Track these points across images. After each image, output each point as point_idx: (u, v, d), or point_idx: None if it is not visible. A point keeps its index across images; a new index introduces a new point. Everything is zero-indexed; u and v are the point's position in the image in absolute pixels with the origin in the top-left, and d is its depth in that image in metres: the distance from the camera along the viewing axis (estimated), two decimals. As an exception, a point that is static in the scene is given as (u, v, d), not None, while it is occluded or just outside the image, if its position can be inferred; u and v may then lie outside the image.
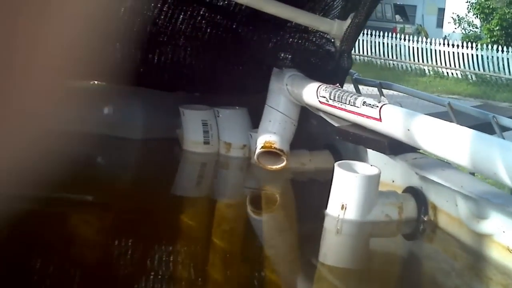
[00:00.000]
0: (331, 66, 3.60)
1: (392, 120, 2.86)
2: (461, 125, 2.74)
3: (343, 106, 3.17)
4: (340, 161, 3.14)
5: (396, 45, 15.39)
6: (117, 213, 3.20)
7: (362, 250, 3.00)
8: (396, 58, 15.46)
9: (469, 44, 14.81)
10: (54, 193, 3.17)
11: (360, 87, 4.07)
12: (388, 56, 15.78)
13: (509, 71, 14.67)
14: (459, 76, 14.58)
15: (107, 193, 3.47)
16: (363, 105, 3.01)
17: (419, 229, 3.08)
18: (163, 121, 4.39)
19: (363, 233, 3.04)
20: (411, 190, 3.21)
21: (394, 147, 2.96)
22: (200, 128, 4.11)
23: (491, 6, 16.52)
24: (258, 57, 3.90)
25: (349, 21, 3.43)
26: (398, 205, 3.10)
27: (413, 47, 15.30)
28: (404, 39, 15.32)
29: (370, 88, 4.11)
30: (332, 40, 3.57)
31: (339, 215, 3.00)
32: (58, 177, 3.53)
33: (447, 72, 14.76)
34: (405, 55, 15.37)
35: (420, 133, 2.70)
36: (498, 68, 14.63)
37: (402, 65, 15.25)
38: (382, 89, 3.74)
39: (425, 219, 3.10)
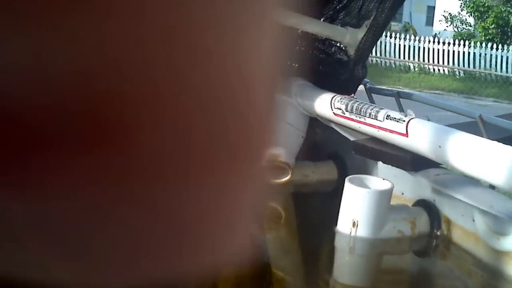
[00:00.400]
0: (344, 76, 3.46)
1: (421, 135, 2.74)
2: (490, 137, 2.61)
3: (361, 119, 3.04)
4: (350, 176, 3.01)
5: (381, 42, 15.31)
6: None
7: (377, 269, 2.87)
8: (381, 55, 15.37)
9: (462, 42, 14.75)
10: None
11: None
12: (372, 53, 15.69)
13: (501, 68, 14.64)
14: (446, 72, 14.56)
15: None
16: (386, 118, 2.88)
17: (433, 245, 2.96)
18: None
19: (376, 250, 2.92)
20: (422, 203, 3.10)
21: (416, 163, 2.84)
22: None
23: (486, 4, 16.56)
24: None
25: (364, 29, 3.27)
26: (411, 220, 2.99)
27: (399, 44, 15.21)
28: (390, 37, 15.23)
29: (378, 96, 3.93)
30: (344, 49, 3.40)
31: (350, 233, 2.87)
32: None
33: (434, 69, 14.73)
34: (389, 52, 15.28)
35: (453, 150, 2.57)
36: (490, 65, 14.63)
37: (386, 62, 15.18)
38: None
39: (438, 233, 2.99)
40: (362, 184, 3.03)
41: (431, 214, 3.03)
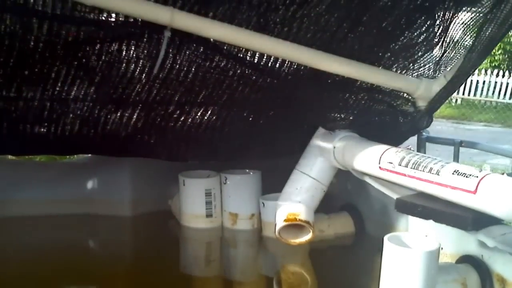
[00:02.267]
0: (405, 128, 3.10)
1: (494, 193, 2.38)
2: None
3: (416, 174, 2.69)
4: (389, 234, 2.63)
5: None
6: None
7: None
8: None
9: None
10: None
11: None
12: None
13: (504, 95, 14.39)
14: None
15: (107, 282, 3.08)
16: (453, 174, 2.52)
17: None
18: (154, 192, 3.84)
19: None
20: (469, 260, 2.75)
21: (478, 221, 2.48)
22: (203, 199, 3.60)
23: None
24: (302, 118, 3.37)
25: (442, 80, 2.91)
26: (461, 281, 2.66)
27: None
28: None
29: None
30: (412, 100, 3.03)
31: (397, 301, 2.48)
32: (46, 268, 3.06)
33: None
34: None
35: None
36: (493, 92, 14.38)
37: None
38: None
39: (492, 295, 2.61)
40: (402, 243, 2.65)
41: (481, 273, 2.66)
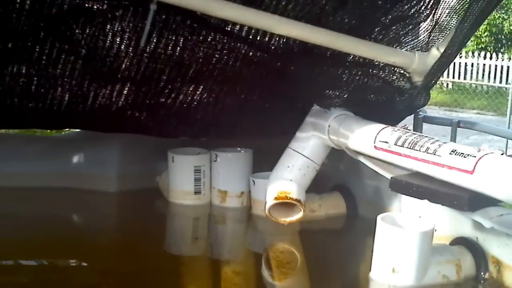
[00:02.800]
0: (403, 105, 3.01)
1: (492, 173, 2.31)
2: None
3: (413, 154, 2.63)
4: (382, 214, 2.58)
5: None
6: (105, 279, 2.74)
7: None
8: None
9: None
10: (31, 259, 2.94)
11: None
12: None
13: (494, 78, 14.44)
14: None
15: (90, 257, 3.01)
16: (450, 153, 2.44)
17: (482, 291, 2.54)
18: (141, 169, 3.79)
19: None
20: (464, 242, 2.71)
21: (474, 202, 2.40)
22: (191, 176, 3.50)
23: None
24: (296, 95, 3.27)
25: (435, 53, 2.86)
26: (456, 262, 2.62)
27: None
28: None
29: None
30: (408, 75, 2.95)
31: (390, 281, 2.42)
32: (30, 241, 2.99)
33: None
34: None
35: None
36: (482, 75, 14.41)
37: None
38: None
39: (486, 277, 2.56)
40: (396, 224, 2.59)
41: (475, 254, 2.61)
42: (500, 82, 14.73)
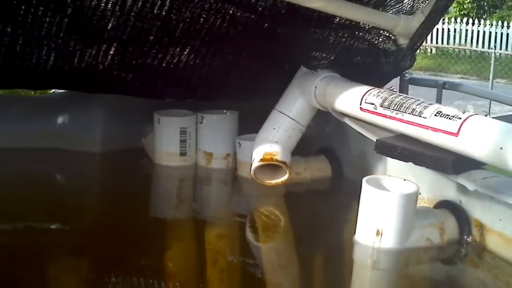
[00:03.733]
0: (389, 68, 2.95)
1: (477, 135, 2.27)
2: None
3: (398, 116, 2.58)
4: (367, 177, 2.54)
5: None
6: (89, 241, 2.70)
7: (408, 287, 2.41)
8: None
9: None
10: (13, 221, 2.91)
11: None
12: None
13: (477, 43, 14.49)
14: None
15: (74, 218, 2.97)
16: (435, 115, 2.39)
17: (465, 254, 2.54)
18: (127, 130, 3.75)
19: (403, 264, 2.46)
20: (447, 205, 2.68)
21: (458, 165, 2.36)
22: (177, 137, 3.45)
23: (461, -23, 16.30)
24: (283, 57, 3.20)
25: (420, 16, 2.84)
26: (439, 225, 2.60)
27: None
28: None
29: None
30: (393, 38, 2.90)
31: (374, 243, 2.40)
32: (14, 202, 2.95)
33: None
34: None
35: None
36: (465, 41, 14.45)
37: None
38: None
39: (469, 240, 2.54)
40: (381, 186, 2.56)
41: (459, 218, 2.59)
42: (483, 47, 14.76)
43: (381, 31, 3.01)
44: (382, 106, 2.71)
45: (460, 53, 14.58)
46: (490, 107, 9.49)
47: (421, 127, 2.50)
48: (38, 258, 2.45)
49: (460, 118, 2.37)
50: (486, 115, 2.38)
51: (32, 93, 4.37)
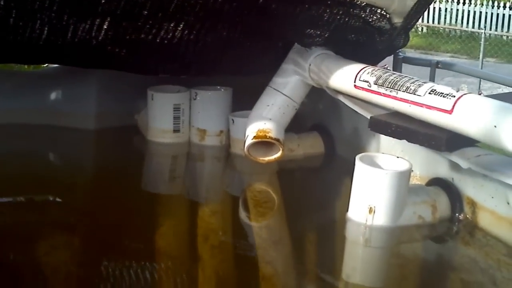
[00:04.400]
0: (383, 46, 2.91)
1: (471, 113, 2.25)
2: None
3: (393, 93, 2.54)
4: (360, 154, 2.52)
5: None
6: (82, 217, 2.69)
7: (398, 264, 2.39)
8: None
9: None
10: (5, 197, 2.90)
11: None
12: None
13: (467, 23, 14.45)
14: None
15: (67, 195, 2.93)
16: (430, 93, 2.36)
17: (457, 231, 2.53)
18: (120, 106, 3.70)
19: (395, 241, 2.46)
20: (440, 183, 2.67)
21: (452, 143, 2.34)
22: (171, 114, 3.42)
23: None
24: (278, 33, 3.14)
25: None
26: (431, 203, 2.59)
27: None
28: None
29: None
30: (388, 16, 2.84)
31: (366, 221, 2.38)
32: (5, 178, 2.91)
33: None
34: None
35: None
36: (456, 20, 14.41)
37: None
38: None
39: (461, 218, 2.53)
40: (374, 164, 2.54)
41: (451, 195, 2.57)
42: (473, 27, 14.74)
43: (376, 9, 2.97)
44: (376, 84, 2.68)
45: (450, 33, 14.56)
46: (480, 84, 9.52)
47: (415, 105, 2.47)
48: (30, 234, 2.43)
49: (454, 96, 2.34)
50: (480, 93, 2.36)
51: (26, 67, 4.30)
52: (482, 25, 14.45)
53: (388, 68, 3.02)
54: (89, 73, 3.61)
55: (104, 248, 2.34)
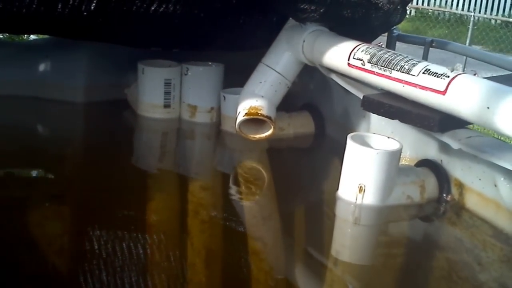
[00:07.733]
0: (379, 22, 2.90)
1: (464, 94, 2.27)
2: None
3: (386, 73, 2.56)
4: (352, 134, 2.55)
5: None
6: (70, 191, 2.68)
7: (386, 243, 2.43)
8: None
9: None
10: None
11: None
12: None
13: (457, 6, 14.44)
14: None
15: (56, 168, 2.93)
16: (424, 73, 2.38)
17: (444, 212, 2.58)
18: (110, 80, 3.69)
19: (383, 220, 2.52)
20: (428, 164, 2.72)
21: (444, 124, 2.37)
22: (161, 89, 3.42)
23: None
24: (272, 8, 3.13)
25: None
26: (420, 183, 2.63)
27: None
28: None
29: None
30: None
31: (356, 199, 2.41)
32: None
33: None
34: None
35: (508, 112, 2.09)
36: (446, 2, 14.38)
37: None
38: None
39: (448, 199, 2.58)
40: (365, 143, 2.57)
41: (439, 177, 2.62)
42: (462, 9, 14.76)
43: None
44: (370, 63, 2.69)
45: (439, 16, 14.56)
46: (465, 64, 9.58)
47: (409, 85, 2.50)
48: (19, 206, 2.44)
49: (448, 77, 2.37)
50: (474, 74, 2.38)
51: (16, 38, 4.27)
52: (472, 8, 14.49)
53: (383, 46, 3.02)
54: (79, 45, 3.61)
55: (93, 221, 2.34)
